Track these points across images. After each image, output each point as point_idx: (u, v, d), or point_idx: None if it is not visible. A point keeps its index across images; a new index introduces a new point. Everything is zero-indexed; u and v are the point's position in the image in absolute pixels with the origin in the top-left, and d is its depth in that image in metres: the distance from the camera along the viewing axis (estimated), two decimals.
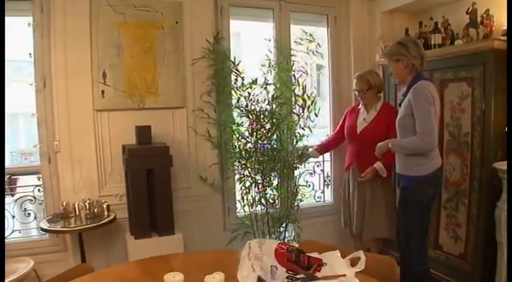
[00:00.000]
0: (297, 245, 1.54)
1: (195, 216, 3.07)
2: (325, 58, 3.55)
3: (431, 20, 3.00)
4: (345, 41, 3.57)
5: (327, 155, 3.55)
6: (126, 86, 2.81)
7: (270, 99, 2.90)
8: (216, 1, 3.09)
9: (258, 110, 2.85)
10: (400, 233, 2.43)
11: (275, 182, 2.99)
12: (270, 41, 3.16)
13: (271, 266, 1.33)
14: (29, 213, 2.83)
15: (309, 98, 2.93)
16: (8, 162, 4.75)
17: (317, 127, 3.23)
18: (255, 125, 2.85)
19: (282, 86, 3.06)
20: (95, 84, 2.74)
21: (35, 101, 2.69)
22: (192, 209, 3.05)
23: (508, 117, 2.41)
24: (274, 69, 3.06)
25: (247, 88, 2.85)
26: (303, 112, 2.95)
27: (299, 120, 2.98)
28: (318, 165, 3.62)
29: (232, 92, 2.94)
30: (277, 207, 3.03)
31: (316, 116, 3.01)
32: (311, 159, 3.32)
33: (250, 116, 2.84)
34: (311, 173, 3.57)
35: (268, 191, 2.95)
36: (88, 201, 2.58)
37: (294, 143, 3.05)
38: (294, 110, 3.01)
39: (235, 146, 2.95)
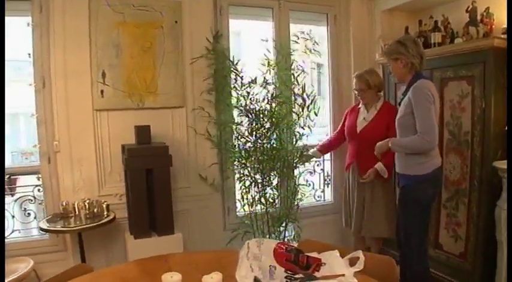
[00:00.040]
0: (296, 245, 1.54)
1: (194, 216, 3.07)
2: (325, 57, 3.54)
3: (431, 18, 2.99)
4: (345, 40, 3.56)
5: (327, 154, 3.53)
6: (125, 85, 2.81)
7: (269, 98, 2.89)
8: (216, 0, 3.09)
9: (257, 109, 2.84)
10: (400, 232, 2.43)
11: (275, 182, 2.98)
12: (267, 41, 3.15)
13: (270, 265, 1.32)
14: (28, 213, 2.84)
15: (308, 97, 2.93)
16: (9, 162, 4.76)
17: (317, 126, 3.23)
18: (254, 124, 2.84)
19: (281, 85, 3.06)
20: (94, 84, 2.74)
21: (34, 101, 2.69)
22: (192, 208, 3.05)
23: (508, 115, 2.40)
24: (273, 68, 3.06)
25: (247, 87, 2.85)
26: (302, 111, 2.95)
27: (299, 119, 2.97)
28: (318, 165, 3.61)
29: (232, 91, 2.94)
30: (277, 206, 3.03)
31: (316, 115, 3.01)
32: (311, 159, 3.31)
33: (250, 115, 2.84)
34: (311, 172, 3.56)
35: (268, 190, 2.95)
36: (88, 201, 2.58)
37: (294, 142, 3.05)
38: (293, 109, 3.01)
39: (235, 146, 2.95)
